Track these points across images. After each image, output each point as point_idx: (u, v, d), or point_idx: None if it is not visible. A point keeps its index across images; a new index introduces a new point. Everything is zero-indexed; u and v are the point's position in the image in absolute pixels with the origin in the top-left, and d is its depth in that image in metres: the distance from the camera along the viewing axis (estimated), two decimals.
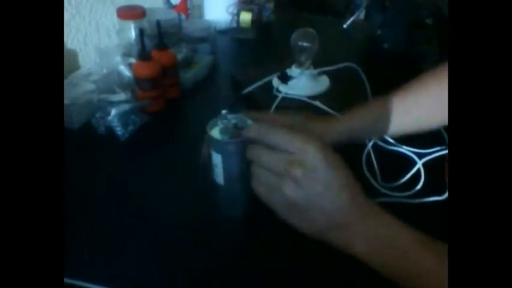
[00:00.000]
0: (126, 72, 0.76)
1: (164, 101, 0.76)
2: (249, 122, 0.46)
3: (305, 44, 0.75)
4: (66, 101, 0.67)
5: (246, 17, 1.06)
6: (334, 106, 0.72)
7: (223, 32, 1.10)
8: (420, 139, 0.61)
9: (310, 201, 0.38)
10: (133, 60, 0.76)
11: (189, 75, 0.83)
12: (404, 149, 0.65)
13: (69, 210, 0.41)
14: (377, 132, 0.61)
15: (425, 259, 0.36)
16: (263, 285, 0.46)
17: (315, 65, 0.78)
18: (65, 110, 0.66)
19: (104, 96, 0.70)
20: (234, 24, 1.09)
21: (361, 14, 0.95)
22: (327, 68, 0.83)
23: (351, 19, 0.91)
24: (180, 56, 0.82)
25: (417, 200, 0.56)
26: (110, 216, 0.54)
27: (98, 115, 0.67)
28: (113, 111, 0.66)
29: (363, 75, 0.85)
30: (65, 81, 0.74)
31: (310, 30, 0.76)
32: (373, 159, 0.63)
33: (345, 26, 0.92)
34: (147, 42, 0.73)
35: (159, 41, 0.74)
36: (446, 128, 0.61)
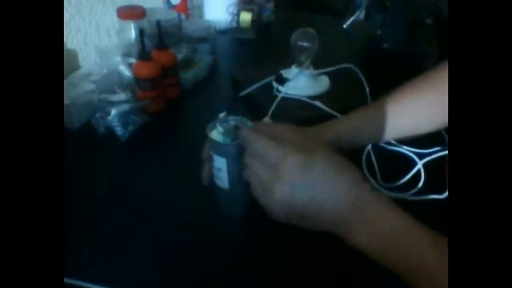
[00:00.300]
0: (126, 72, 0.76)
1: (164, 101, 0.76)
2: (249, 123, 0.47)
3: (305, 44, 0.75)
4: (66, 101, 0.67)
5: (246, 17, 1.06)
6: (334, 106, 0.72)
7: (223, 32, 1.10)
8: (420, 139, 0.61)
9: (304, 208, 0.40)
10: (133, 60, 0.76)
11: (189, 75, 0.83)
12: (405, 149, 0.65)
13: (69, 210, 0.41)
14: (367, 141, 0.63)
15: (428, 255, 0.36)
16: (263, 285, 0.46)
17: (315, 65, 0.78)
18: (65, 110, 0.66)
19: (104, 96, 0.70)
20: (234, 24, 1.09)
21: (361, 14, 0.95)
22: (327, 69, 0.83)
23: (351, 19, 0.91)
24: (180, 56, 0.82)
25: (416, 198, 0.57)
26: (110, 216, 0.54)
27: (98, 115, 0.67)
28: (113, 111, 0.66)
29: (362, 76, 0.84)
30: (65, 81, 0.74)
31: (310, 30, 0.76)
32: (373, 159, 0.63)
33: (345, 26, 0.92)
34: (147, 42, 0.73)
35: (159, 41, 0.74)
36: (446, 129, 0.61)
